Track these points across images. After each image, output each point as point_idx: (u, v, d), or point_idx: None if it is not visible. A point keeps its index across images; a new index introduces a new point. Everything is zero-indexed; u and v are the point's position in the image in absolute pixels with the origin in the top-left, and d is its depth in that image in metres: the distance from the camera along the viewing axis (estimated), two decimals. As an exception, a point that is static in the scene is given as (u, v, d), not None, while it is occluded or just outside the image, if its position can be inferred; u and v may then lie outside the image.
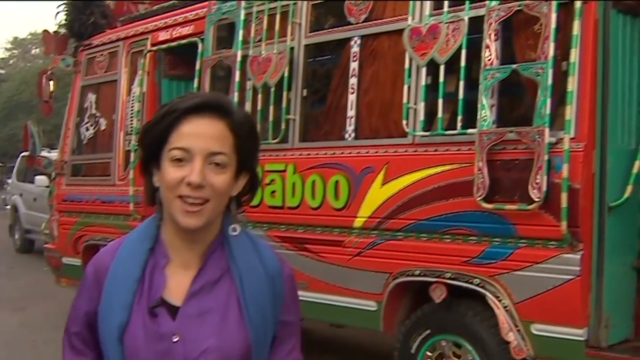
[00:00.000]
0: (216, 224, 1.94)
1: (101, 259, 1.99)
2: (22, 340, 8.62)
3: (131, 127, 7.76)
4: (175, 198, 1.82)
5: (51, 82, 8.87)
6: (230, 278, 1.92)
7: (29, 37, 56.53)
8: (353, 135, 5.72)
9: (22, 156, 17.16)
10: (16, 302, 10.94)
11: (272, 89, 6.18)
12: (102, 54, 8.48)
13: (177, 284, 1.91)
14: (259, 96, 6.28)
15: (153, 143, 1.86)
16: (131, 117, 7.80)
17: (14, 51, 57.58)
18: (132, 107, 7.84)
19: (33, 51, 56.44)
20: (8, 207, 19.10)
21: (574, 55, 4.44)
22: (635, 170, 4.72)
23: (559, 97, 4.56)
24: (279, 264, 2.01)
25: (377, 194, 5.41)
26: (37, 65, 44.81)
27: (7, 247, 17.67)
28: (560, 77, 4.55)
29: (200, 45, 6.92)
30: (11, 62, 57.13)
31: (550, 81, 4.44)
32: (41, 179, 14.49)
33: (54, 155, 11.83)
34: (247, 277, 1.92)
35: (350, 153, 5.66)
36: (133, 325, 1.87)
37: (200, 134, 1.81)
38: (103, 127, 8.41)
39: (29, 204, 16.53)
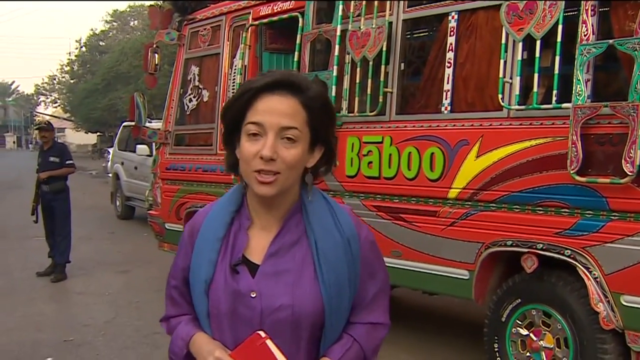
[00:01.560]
0: (293, 191, 2.09)
1: (195, 219, 2.20)
2: (126, 301, 9.05)
3: (233, 99, 7.96)
4: (250, 169, 1.98)
5: (156, 55, 9.16)
6: (307, 241, 2.07)
7: (128, 9, 57.29)
8: (449, 108, 5.79)
9: (124, 125, 17.61)
10: (120, 266, 11.44)
11: (370, 63, 6.30)
12: (205, 28, 8.74)
13: (257, 245, 2.08)
14: (357, 70, 6.41)
15: (233, 119, 2.03)
16: (233, 89, 8.03)
17: (114, 23, 58.37)
18: (233, 79, 8.07)
19: (132, 23, 57.24)
20: (110, 175, 19.60)
21: (672, 30, 4.43)
22: None
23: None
24: (355, 228, 2.12)
25: (472, 166, 5.50)
26: (136, 37, 45.40)
27: (109, 213, 18.31)
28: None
29: (300, 20, 7.09)
30: (110, 34, 57.92)
31: (646, 56, 4.44)
32: (142, 148, 14.88)
33: (152, 125, 12.12)
34: (322, 240, 2.05)
35: (446, 126, 5.75)
36: (216, 280, 2.05)
37: (272, 110, 1.94)
38: (205, 99, 8.69)
39: (130, 172, 16.94)
